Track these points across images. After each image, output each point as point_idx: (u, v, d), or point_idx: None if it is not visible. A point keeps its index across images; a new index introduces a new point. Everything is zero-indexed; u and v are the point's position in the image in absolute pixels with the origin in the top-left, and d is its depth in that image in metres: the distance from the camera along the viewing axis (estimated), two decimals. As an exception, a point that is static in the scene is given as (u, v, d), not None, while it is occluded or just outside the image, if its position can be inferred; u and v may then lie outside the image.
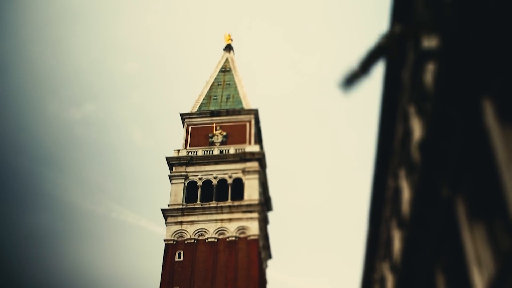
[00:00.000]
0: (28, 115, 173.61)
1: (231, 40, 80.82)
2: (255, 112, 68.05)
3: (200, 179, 62.19)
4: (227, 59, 77.11)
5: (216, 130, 66.49)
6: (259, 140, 69.18)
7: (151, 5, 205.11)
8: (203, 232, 58.48)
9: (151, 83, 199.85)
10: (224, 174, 62.30)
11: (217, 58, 78.28)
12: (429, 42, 16.03)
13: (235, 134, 66.15)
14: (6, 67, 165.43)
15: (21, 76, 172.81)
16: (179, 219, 59.50)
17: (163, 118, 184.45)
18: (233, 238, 57.86)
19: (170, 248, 57.81)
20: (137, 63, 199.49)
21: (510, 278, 9.89)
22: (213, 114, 67.95)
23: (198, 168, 62.91)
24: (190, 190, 61.77)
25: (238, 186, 61.65)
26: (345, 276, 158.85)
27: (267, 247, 65.36)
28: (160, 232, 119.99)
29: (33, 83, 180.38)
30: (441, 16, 13.24)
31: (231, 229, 58.36)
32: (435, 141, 14.08)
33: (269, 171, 67.93)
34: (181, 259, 57.08)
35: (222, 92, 71.92)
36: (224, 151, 63.96)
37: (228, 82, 73.13)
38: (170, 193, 61.46)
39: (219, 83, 73.23)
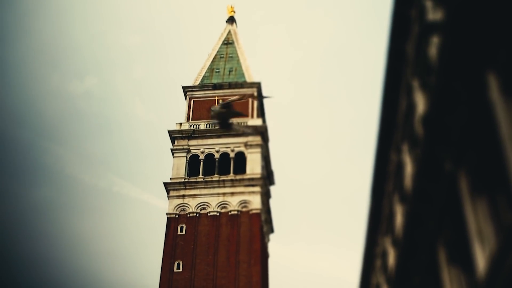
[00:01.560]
0: (30, 88, 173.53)
1: (234, 12, 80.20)
2: (258, 86, 67.66)
3: (202, 152, 62.16)
4: (229, 32, 76.60)
5: (218, 103, 66.20)
6: (261, 113, 69.02)
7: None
8: (205, 206, 58.63)
9: (153, 56, 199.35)
10: (227, 147, 62.27)
11: (220, 30, 77.82)
12: (434, 15, 15.84)
13: (237, 108, 65.81)
14: (7, 39, 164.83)
15: (22, 49, 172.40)
16: (182, 192, 59.61)
17: (165, 91, 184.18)
18: (235, 212, 58.02)
19: (172, 222, 57.99)
20: (139, 36, 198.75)
21: (512, 253, 9.86)
22: (215, 87, 67.62)
23: (200, 141, 62.85)
24: (193, 164, 61.80)
25: (240, 160, 61.66)
26: (347, 251, 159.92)
27: (269, 221, 65.56)
28: (162, 206, 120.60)
29: (34, 56, 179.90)
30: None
31: (234, 203, 58.50)
32: (439, 115, 13.97)
33: (271, 145, 67.93)
34: (184, 232, 57.28)
35: (225, 65, 71.55)
36: (226, 125, 63.76)
37: (230, 55, 72.73)
38: (172, 166, 61.49)
39: (222, 55, 72.83)
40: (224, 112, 19.05)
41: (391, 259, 23.20)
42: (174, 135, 63.27)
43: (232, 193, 59.17)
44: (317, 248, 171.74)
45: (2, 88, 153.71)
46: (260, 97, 19.59)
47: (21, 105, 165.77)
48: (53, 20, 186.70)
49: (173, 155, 62.34)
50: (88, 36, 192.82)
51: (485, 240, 12.08)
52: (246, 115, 58.48)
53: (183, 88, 68.29)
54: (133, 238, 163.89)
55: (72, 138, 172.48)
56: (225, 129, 20.07)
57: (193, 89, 68.13)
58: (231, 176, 60.27)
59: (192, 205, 58.66)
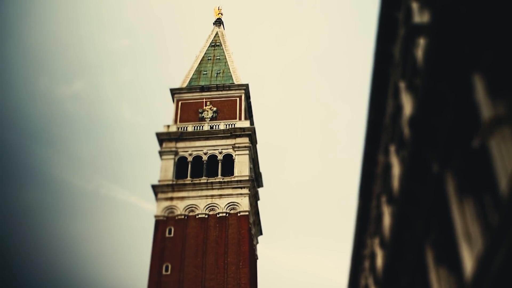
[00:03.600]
0: (17, 91, 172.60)
1: (221, 14, 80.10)
2: (245, 88, 67.71)
3: (190, 155, 62.01)
4: (217, 34, 76.51)
5: (206, 105, 66.13)
6: (249, 115, 68.99)
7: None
8: (193, 208, 58.48)
9: (140, 59, 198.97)
10: (215, 150, 62.17)
11: (207, 32, 77.71)
12: (421, 17, 15.89)
13: (225, 110, 65.89)
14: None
15: (10, 52, 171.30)
16: (170, 195, 59.42)
17: (153, 94, 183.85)
18: (224, 214, 57.93)
19: (160, 224, 57.80)
20: (127, 39, 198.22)
21: (499, 253, 9.88)
22: (203, 89, 67.53)
23: (188, 143, 62.70)
24: (180, 166, 61.62)
25: (228, 162, 61.57)
26: (336, 252, 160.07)
27: (257, 223, 65.50)
28: (150, 209, 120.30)
29: (22, 59, 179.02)
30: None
31: (222, 205, 58.40)
32: (426, 117, 14.01)
33: (259, 147, 67.90)
34: (172, 235, 57.10)
35: (212, 67, 71.44)
36: (214, 127, 63.76)
37: (218, 57, 72.62)
38: (160, 169, 61.28)
39: (209, 58, 72.71)
40: None
41: (379, 260, 23.23)
42: (162, 138, 63.07)
43: (220, 195, 59.10)
44: (306, 250, 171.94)
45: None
46: None
47: (9, 108, 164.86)
48: (40, 23, 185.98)
49: (161, 157, 62.15)
50: (75, 39, 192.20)
51: (472, 241, 12.11)
52: None
53: (171, 90, 68.09)
54: (121, 241, 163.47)
55: (59, 140, 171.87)
56: None
57: (181, 92, 67.95)
58: (219, 178, 60.18)
59: (180, 207, 58.49)
